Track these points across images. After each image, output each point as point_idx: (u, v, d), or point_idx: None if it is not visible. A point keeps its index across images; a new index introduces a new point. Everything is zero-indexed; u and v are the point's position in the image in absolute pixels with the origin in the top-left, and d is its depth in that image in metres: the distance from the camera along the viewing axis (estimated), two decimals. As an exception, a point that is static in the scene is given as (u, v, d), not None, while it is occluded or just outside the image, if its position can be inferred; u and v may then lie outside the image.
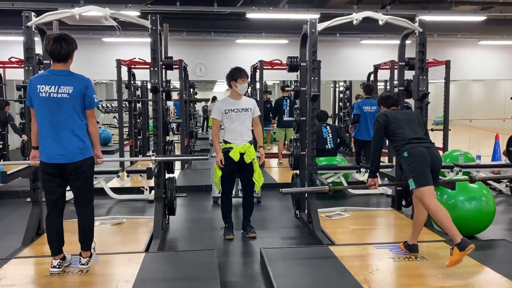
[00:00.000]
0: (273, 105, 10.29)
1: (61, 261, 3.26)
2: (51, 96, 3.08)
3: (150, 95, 4.72)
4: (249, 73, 9.15)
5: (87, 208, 3.31)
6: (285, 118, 8.10)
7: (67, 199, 3.37)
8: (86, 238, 3.33)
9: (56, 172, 3.16)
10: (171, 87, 5.51)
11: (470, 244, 3.16)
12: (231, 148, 4.34)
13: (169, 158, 4.51)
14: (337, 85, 12.42)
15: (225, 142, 4.41)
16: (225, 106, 4.38)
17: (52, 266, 3.23)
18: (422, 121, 3.79)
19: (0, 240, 4.52)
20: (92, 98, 3.18)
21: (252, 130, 4.55)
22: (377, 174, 3.88)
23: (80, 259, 3.34)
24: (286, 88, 8.67)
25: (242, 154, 4.33)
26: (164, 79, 5.12)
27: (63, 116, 3.11)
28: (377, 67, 8.89)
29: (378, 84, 9.27)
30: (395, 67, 6.58)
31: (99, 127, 13.95)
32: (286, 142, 9.02)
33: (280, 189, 4.21)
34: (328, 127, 6.79)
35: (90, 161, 3.26)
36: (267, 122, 10.51)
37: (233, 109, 4.35)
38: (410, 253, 3.60)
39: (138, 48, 9.44)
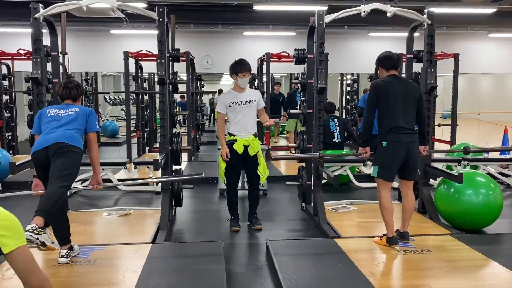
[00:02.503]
0: (285, 99, 10.28)
1: (68, 251, 3.30)
2: (59, 115, 3.33)
3: (157, 87, 4.73)
4: (256, 65, 9.23)
5: (59, 183, 3.04)
6: (297, 108, 8.10)
7: (74, 191, 3.40)
8: (44, 202, 2.98)
9: (44, 162, 3.16)
10: (178, 79, 5.52)
11: (397, 243, 3.56)
12: (235, 140, 4.34)
13: (165, 179, 4.41)
14: (344, 78, 12.35)
15: (230, 134, 4.41)
16: (229, 99, 4.37)
17: (60, 256, 3.27)
18: (418, 100, 3.62)
19: (9, 230, 4.57)
20: (94, 122, 3.40)
21: (258, 122, 4.54)
22: (369, 143, 3.77)
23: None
24: (294, 81, 8.65)
25: (246, 147, 4.33)
26: (171, 71, 5.12)
27: (64, 125, 3.25)
28: (385, 60, 8.80)
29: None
30: (403, 59, 6.53)
31: (107, 119, 14.04)
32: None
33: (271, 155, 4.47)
34: (336, 120, 6.74)
35: (76, 151, 3.21)
36: (275, 115, 10.52)
37: (237, 102, 4.34)
38: (402, 240, 3.63)
39: (145, 40, 9.43)
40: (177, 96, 11.75)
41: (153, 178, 3.98)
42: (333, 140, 6.58)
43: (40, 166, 3.22)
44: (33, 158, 3.24)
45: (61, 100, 3.48)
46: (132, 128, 8.70)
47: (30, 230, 2.79)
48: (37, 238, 2.78)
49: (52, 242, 2.95)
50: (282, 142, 11.53)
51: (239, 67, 4.32)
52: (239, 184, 5.69)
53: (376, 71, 9.17)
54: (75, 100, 3.48)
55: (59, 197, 3.02)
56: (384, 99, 3.54)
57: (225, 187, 4.71)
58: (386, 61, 3.67)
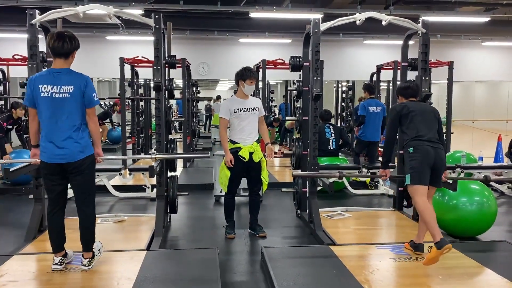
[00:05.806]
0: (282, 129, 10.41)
1: (62, 258, 3.27)
2: (54, 96, 3.07)
3: (153, 94, 4.74)
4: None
5: (88, 208, 3.26)
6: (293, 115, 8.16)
7: (69, 196, 3.37)
8: (86, 238, 3.27)
9: (56, 171, 3.15)
10: (174, 85, 5.52)
11: (447, 244, 3.23)
12: (240, 148, 4.31)
13: (170, 156, 4.51)
14: (339, 85, 12.41)
15: (233, 142, 4.36)
16: (233, 105, 4.34)
17: (54, 263, 3.25)
18: (437, 117, 3.74)
19: (3, 236, 4.54)
20: (91, 96, 3.14)
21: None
22: (389, 165, 3.86)
23: (82, 259, 3.29)
24: (289, 88, 8.68)
25: (251, 154, 4.32)
26: (167, 78, 5.13)
27: (65, 116, 3.10)
28: (380, 68, 8.88)
29: (381, 84, 9.27)
30: (398, 67, 6.58)
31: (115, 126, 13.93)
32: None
33: (292, 172, 4.67)
34: (331, 127, 6.79)
35: (91, 160, 3.23)
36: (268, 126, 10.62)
37: (242, 108, 4.33)
38: (416, 252, 3.60)
39: (142, 46, 9.46)
40: (174, 99, 11.73)
41: (156, 154, 4.12)
42: (328, 147, 6.61)
43: (51, 174, 3.16)
44: (43, 167, 3.17)
45: (53, 54, 3.12)
46: (127, 134, 8.68)
47: (87, 265, 3.29)
48: (92, 266, 3.32)
49: (99, 249, 3.47)
50: (275, 148, 11.53)
51: (247, 74, 4.32)
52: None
53: (371, 78, 9.31)
54: (68, 57, 3.13)
55: (94, 219, 3.33)
56: (406, 116, 3.65)
57: (221, 194, 4.70)
58: (406, 90, 3.85)
